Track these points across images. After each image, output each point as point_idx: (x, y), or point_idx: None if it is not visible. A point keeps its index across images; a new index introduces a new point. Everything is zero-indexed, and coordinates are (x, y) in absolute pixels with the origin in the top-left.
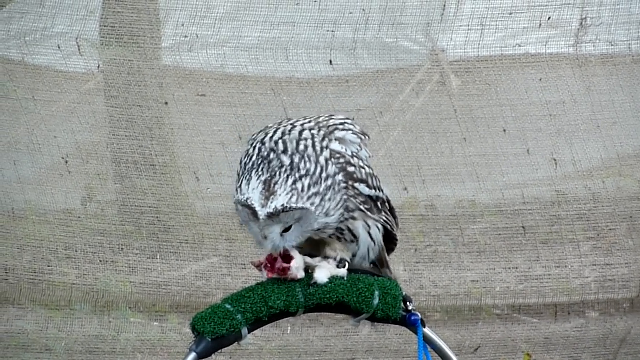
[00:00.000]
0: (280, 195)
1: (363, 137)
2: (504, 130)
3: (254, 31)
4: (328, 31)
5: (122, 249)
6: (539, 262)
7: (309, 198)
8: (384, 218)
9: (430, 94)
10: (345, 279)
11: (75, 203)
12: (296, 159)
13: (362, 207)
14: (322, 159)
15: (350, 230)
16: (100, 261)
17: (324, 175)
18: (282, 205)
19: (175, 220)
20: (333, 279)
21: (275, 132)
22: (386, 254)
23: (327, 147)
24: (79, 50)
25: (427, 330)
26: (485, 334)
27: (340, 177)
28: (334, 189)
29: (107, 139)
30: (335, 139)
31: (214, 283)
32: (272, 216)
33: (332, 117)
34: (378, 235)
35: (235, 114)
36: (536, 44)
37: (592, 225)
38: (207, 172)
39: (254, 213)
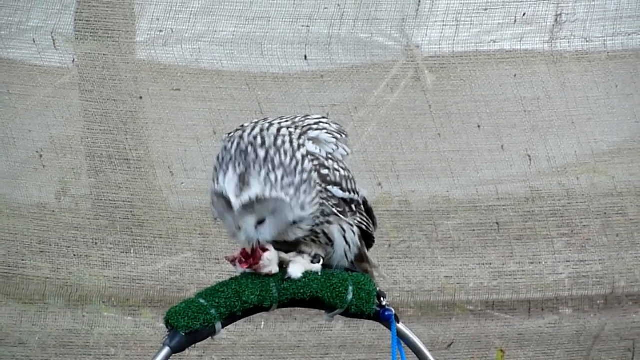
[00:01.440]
0: (253, 186)
1: (340, 135)
2: (478, 126)
3: (228, 26)
4: (303, 26)
5: (96, 243)
6: (512, 258)
7: (282, 188)
8: (359, 219)
9: (404, 90)
10: (320, 274)
11: (49, 197)
12: (272, 152)
13: (334, 210)
14: (298, 154)
15: (325, 234)
16: (74, 255)
17: (299, 168)
18: (256, 195)
19: (149, 215)
20: (307, 274)
21: (253, 129)
22: (365, 249)
23: (303, 145)
24: (54, 44)
25: (400, 326)
26: (459, 329)
27: (315, 175)
28: (309, 183)
29: (81, 133)
30: (309, 139)
31: (188, 278)
32: (246, 207)
33: (308, 117)
34: (354, 239)
35: (210, 109)
36: (511, 40)
37: (566, 222)
38: (181, 167)
39: (229, 203)
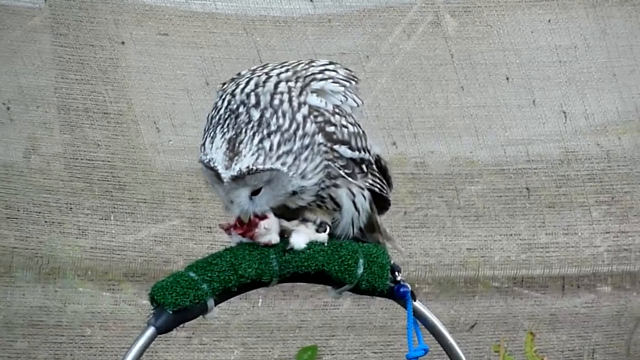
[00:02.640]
0: (245, 155)
1: (349, 82)
2: (507, 79)
3: None
4: None
5: (71, 208)
6: (544, 228)
7: (278, 157)
8: (370, 181)
9: (422, 36)
10: (326, 244)
11: (16, 155)
12: (267, 114)
13: (342, 172)
14: (299, 116)
15: (332, 199)
16: (45, 222)
17: (299, 132)
18: (247, 167)
19: (132, 177)
20: (312, 244)
21: (247, 83)
22: (377, 217)
23: (304, 103)
24: None
25: (417, 304)
26: (483, 309)
27: (319, 137)
28: (312, 149)
29: (54, 83)
30: (313, 92)
31: (175, 248)
32: (237, 179)
33: (313, 64)
34: (364, 204)
35: (202, 56)
36: None
37: (606, 187)
38: (168, 122)
39: (218, 175)
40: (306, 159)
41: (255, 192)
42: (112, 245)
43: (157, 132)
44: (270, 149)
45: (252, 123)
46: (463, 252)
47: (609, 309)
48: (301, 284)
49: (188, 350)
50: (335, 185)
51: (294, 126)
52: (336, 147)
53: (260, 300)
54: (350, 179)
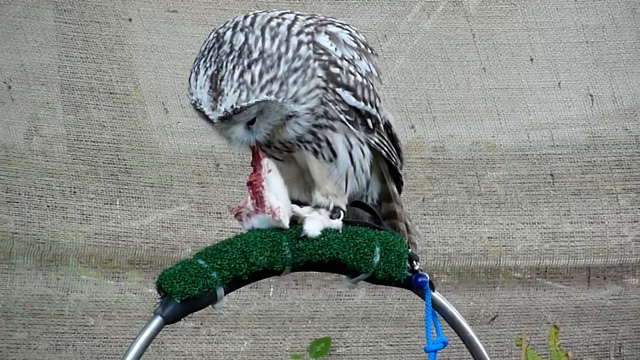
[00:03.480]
0: (227, 94)
1: (366, 48)
2: (531, 59)
3: None
4: None
5: (74, 192)
6: (569, 216)
7: (262, 88)
8: (375, 140)
9: (443, 15)
10: (341, 232)
11: (17, 137)
12: (251, 39)
13: (342, 116)
14: (293, 40)
15: (329, 144)
16: (48, 206)
17: (289, 55)
18: (232, 106)
19: (138, 160)
20: (326, 231)
21: (245, 17)
22: (394, 187)
23: (311, 34)
24: None
25: (436, 295)
26: (504, 300)
27: (318, 68)
28: (304, 71)
29: (58, 61)
30: (326, 33)
31: (183, 234)
32: (225, 119)
33: (333, 21)
34: (362, 161)
35: None
36: None
37: (634, 174)
38: (177, 103)
39: (206, 117)
40: (295, 82)
41: (250, 122)
42: (117, 231)
43: (165, 113)
44: (252, 81)
45: (233, 54)
46: (484, 241)
47: (636, 302)
48: (314, 273)
49: (196, 342)
50: (332, 129)
51: (281, 49)
52: (339, 90)
53: (272, 289)
54: (350, 126)
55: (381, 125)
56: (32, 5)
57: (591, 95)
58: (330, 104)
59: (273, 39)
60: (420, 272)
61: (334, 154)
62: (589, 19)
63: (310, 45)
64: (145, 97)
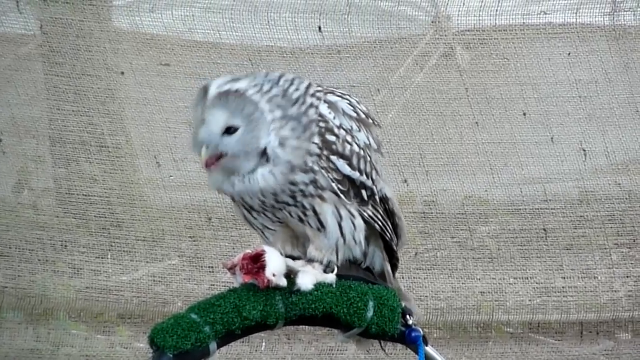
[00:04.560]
0: (242, 81)
1: (366, 118)
2: (524, 114)
3: None
4: None
5: (65, 246)
6: (561, 271)
7: (269, 100)
8: (370, 213)
9: (435, 69)
10: (334, 285)
11: (6, 190)
12: (281, 81)
13: (334, 185)
14: (308, 98)
15: (316, 214)
16: (38, 260)
17: (302, 109)
18: (238, 88)
19: (130, 213)
20: (319, 285)
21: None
22: (388, 267)
23: (319, 99)
24: (17, 6)
25: (429, 349)
26: (496, 355)
27: (316, 135)
28: (303, 127)
29: (48, 114)
30: (325, 101)
31: (174, 288)
32: (222, 97)
33: (334, 91)
34: (354, 233)
35: None
36: (564, 11)
37: (626, 229)
38: (169, 157)
39: (205, 91)
40: (293, 129)
41: (228, 130)
42: (108, 285)
43: (157, 166)
44: (268, 92)
45: (260, 75)
46: (476, 296)
47: (629, 357)
48: (306, 327)
49: None
50: (322, 198)
51: (299, 99)
52: (333, 158)
53: (263, 344)
54: (342, 196)
55: (376, 198)
56: (23, 58)
57: (584, 150)
58: (322, 171)
59: (296, 90)
60: (413, 326)
61: (322, 224)
62: (582, 73)
63: (316, 115)
64: (136, 151)
